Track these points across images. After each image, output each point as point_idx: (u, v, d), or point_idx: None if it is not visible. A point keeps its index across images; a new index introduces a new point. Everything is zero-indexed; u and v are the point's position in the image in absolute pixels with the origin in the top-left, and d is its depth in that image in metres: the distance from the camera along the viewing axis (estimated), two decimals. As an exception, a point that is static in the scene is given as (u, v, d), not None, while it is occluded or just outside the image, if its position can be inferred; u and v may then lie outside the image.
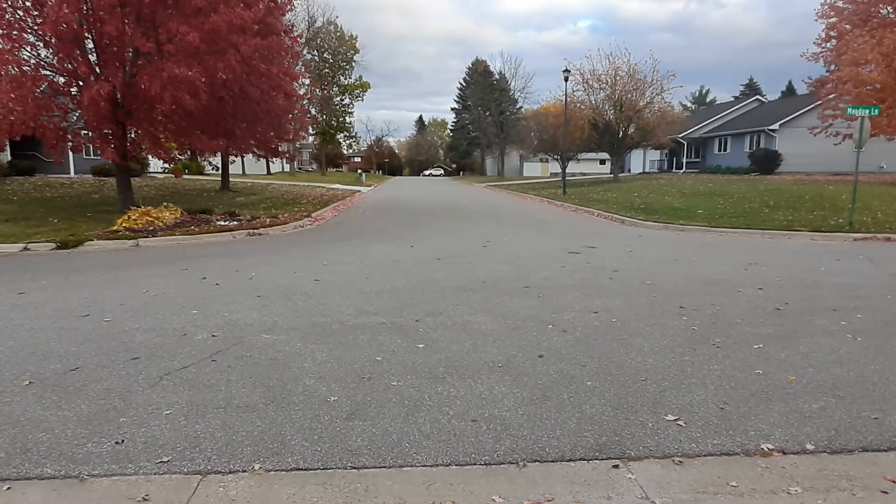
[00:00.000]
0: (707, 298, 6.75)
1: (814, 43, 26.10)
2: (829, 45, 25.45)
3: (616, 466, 3.04)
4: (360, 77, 59.00)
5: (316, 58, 52.27)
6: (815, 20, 25.55)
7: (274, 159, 46.95)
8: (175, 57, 12.90)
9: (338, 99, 57.55)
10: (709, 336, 5.26)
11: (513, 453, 3.16)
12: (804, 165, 33.06)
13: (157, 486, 2.86)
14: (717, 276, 8.21)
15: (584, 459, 3.11)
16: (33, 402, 3.78)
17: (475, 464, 3.07)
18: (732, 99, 60.54)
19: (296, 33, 23.53)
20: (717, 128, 44.00)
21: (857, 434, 3.38)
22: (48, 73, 14.34)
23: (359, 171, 65.80)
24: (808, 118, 30.18)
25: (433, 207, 22.96)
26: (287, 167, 59.97)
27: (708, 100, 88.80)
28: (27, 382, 4.12)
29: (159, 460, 3.08)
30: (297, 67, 25.54)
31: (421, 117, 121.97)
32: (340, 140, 66.18)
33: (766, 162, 34.26)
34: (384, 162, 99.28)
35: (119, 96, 13.61)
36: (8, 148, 23.62)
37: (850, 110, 15.15)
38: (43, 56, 14.17)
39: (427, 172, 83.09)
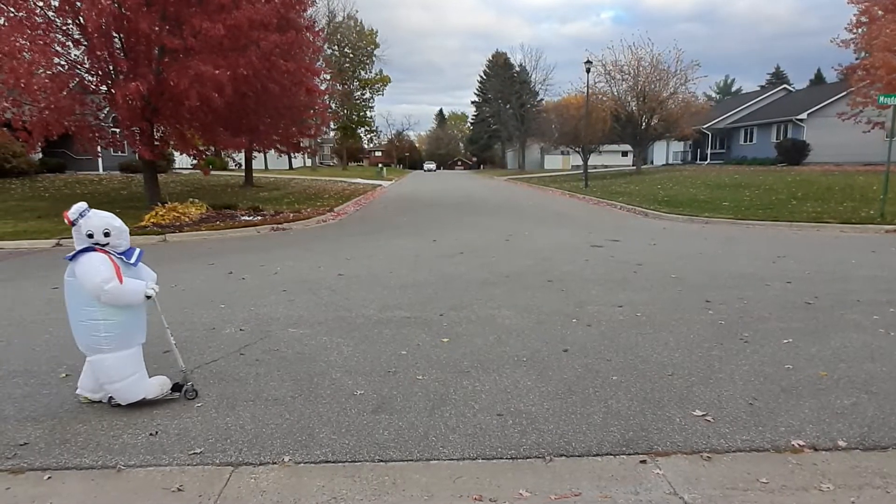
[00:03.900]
0: (734, 292, 6.65)
1: (844, 28, 25.37)
2: (860, 30, 24.72)
3: (643, 462, 3.02)
4: (381, 71, 59.15)
5: (336, 53, 52.47)
6: (847, 3, 24.83)
7: (296, 154, 47.58)
8: (200, 54, 13.07)
9: (358, 93, 57.73)
10: (736, 330, 5.19)
11: (539, 448, 3.17)
12: (833, 156, 32.26)
13: (191, 476, 2.93)
14: (744, 269, 8.09)
15: (611, 454, 3.10)
16: (70, 394, 3.88)
17: (501, 458, 3.08)
18: (758, 88, 59.34)
19: (316, 28, 23.60)
20: (743, 118, 43.12)
21: (891, 431, 3.31)
22: (78, 71, 14.66)
23: (379, 165, 65.92)
24: (838, 107, 29.35)
25: (454, 201, 22.96)
26: (309, 162, 60.47)
27: (733, 89, 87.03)
28: (64, 375, 4.24)
29: (192, 452, 3.15)
30: (318, 63, 25.67)
31: (441, 111, 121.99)
32: (361, 135, 66.47)
33: (794, 152, 33.51)
34: (405, 156, 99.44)
35: (147, 94, 13.86)
36: (40, 146, 24.17)
37: (882, 98, 14.71)
38: (73, 56, 14.47)
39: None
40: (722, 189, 21.31)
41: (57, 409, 3.68)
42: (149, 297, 3.56)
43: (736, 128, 42.88)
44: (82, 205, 3.43)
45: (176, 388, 3.76)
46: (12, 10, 12.71)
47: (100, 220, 3.42)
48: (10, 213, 15.01)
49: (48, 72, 13.18)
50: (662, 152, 51.47)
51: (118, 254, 3.48)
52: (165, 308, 6.22)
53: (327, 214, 16.29)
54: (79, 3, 13.01)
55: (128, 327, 3.55)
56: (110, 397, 3.63)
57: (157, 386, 3.67)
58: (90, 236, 3.39)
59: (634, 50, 35.04)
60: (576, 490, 2.78)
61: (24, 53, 12.33)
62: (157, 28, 13.14)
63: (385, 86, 59.80)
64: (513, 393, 3.87)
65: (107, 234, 3.41)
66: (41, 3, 13.36)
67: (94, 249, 3.40)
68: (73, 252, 3.42)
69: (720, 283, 7.17)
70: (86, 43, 13.69)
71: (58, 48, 13.83)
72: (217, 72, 12.88)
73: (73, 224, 3.38)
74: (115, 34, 13.72)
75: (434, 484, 2.85)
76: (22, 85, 12.28)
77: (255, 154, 25.26)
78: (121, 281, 3.33)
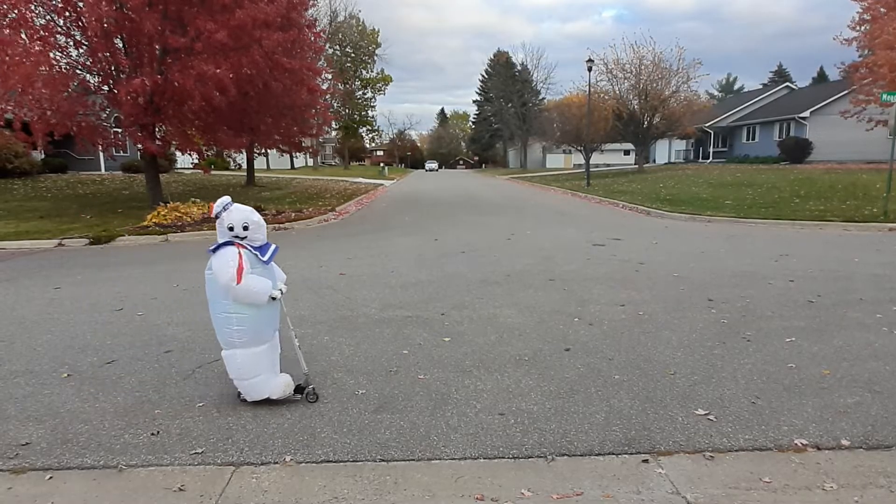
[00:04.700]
0: (736, 291, 6.63)
1: (847, 26, 25.32)
2: (863, 28, 24.67)
3: (646, 461, 3.01)
4: (382, 70, 59.15)
5: (338, 52, 52.48)
6: (851, 1, 24.79)
7: (297, 154, 47.57)
8: (203, 54, 13.07)
9: (360, 93, 57.73)
10: (739, 329, 5.17)
11: (541, 447, 3.16)
12: (836, 154, 32.19)
13: (193, 476, 2.92)
14: (747, 268, 8.07)
15: (613, 454, 3.09)
16: (72, 394, 3.89)
17: (503, 457, 3.08)
18: (761, 87, 59.15)
19: (318, 28, 23.62)
20: (745, 116, 43.03)
21: (895, 430, 3.30)
22: (79, 72, 14.67)
23: (381, 164, 65.95)
24: (840, 105, 29.26)
25: (456, 200, 22.94)
26: (310, 162, 60.45)
27: (735, 88, 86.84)
28: (65, 375, 4.24)
29: (193, 451, 3.15)
30: (320, 62, 25.68)
31: (443, 110, 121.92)
32: (363, 134, 66.50)
33: (796, 150, 33.44)
34: (406, 155, 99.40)
35: (150, 92, 13.87)
36: (41, 146, 24.21)
37: (884, 96, 14.65)
38: (74, 56, 14.48)
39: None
40: (724, 188, 21.27)
41: (58, 408, 3.68)
42: (273, 299, 3.56)
43: (738, 126, 42.80)
44: (226, 198, 3.49)
45: (298, 389, 3.77)
46: (13, 12, 12.70)
47: (240, 214, 3.46)
48: (13, 213, 15.03)
49: (49, 71, 13.18)
50: (664, 151, 51.41)
51: (254, 248, 3.50)
52: (167, 307, 6.25)
53: (329, 214, 16.29)
54: (80, 4, 13.02)
55: (258, 324, 3.55)
56: (239, 391, 3.69)
57: (283, 386, 3.68)
58: (231, 229, 3.43)
59: (636, 48, 35.04)
60: (578, 490, 2.77)
61: (25, 60, 12.33)
62: (159, 28, 13.14)
63: (387, 85, 59.85)
64: (514, 392, 3.86)
65: (245, 228, 3.44)
66: (41, 6, 13.35)
67: (233, 244, 3.44)
68: (215, 245, 3.47)
69: (722, 282, 7.15)
70: (87, 43, 13.70)
71: (58, 54, 13.84)
72: (219, 71, 12.88)
73: (216, 217, 3.44)
74: (116, 35, 13.73)
75: (436, 483, 2.84)
76: (19, 89, 12.30)
77: (256, 154, 25.29)
78: (238, 281, 3.35)
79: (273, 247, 3.62)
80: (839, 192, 18.03)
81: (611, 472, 2.93)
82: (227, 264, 3.34)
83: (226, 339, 3.53)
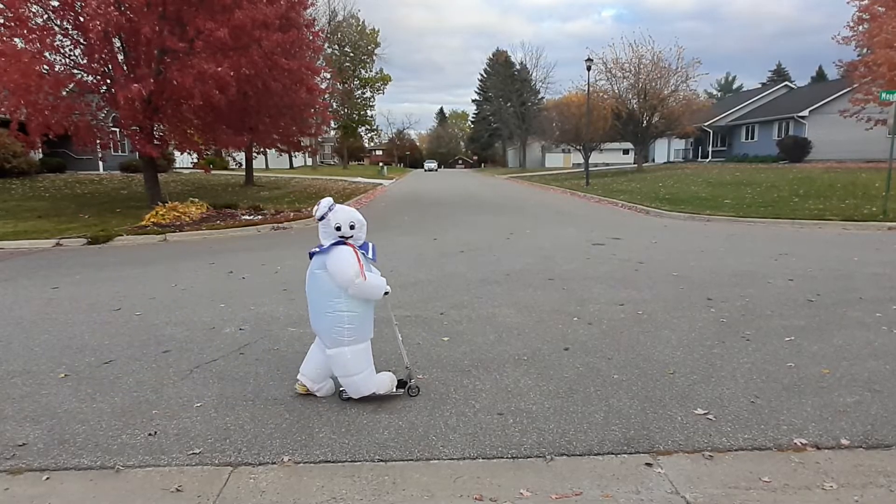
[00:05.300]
0: (736, 290, 6.63)
1: (845, 26, 25.32)
2: (861, 27, 24.67)
3: (645, 461, 3.00)
4: (381, 70, 59.18)
5: (337, 52, 52.45)
6: (847, 2, 24.78)
7: (296, 154, 47.52)
8: (202, 54, 13.05)
9: (359, 92, 57.73)
10: (738, 328, 5.17)
11: (540, 447, 3.15)
12: (835, 153, 32.21)
13: (190, 477, 2.91)
14: (746, 267, 8.06)
15: (613, 453, 3.08)
16: (69, 394, 3.88)
17: (502, 457, 3.06)
18: (760, 86, 59.19)
19: (317, 28, 23.59)
20: (744, 115, 43.05)
21: (895, 429, 3.29)
22: (77, 72, 14.64)
23: (380, 164, 65.91)
24: (839, 104, 29.27)
25: (455, 200, 22.93)
26: (309, 161, 60.45)
27: (734, 87, 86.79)
28: (63, 375, 4.23)
29: (191, 452, 3.13)
30: (319, 62, 25.65)
31: (442, 109, 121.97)
32: (362, 133, 66.49)
33: (795, 150, 33.45)
34: (405, 155, 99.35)
35: (149, 95, 13.84)
36: (39, 146, 24.19)
37: (884, 95, 14.64)
38: (72, 56, 14.43)
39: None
40: (723, 187, 21.26)
41: (56, 409, 3.67)
42: (386, 294, 3.63)
43: (737, 125, 42.81)
44: (329, 200, 3.55)
45: (400, 384, 3.80)
46: (9, 11, 12.67)
47: (345, 214, 3.52)
48: (11, 213, 15.00)
49: (45, 71, 13.14)
50: (664, 150, 51.39)
51: (358, 247, 3.55)
52: (164, 307, 6.24)
53: (328, 213, 16.25)
54: (79, 4, 12.98)
55: (366, 320, 3.63)
56: (341, 390, 3.72)
57: (388, 381, 3.72)
58: (338, 229, 3.48)
59: (635, 48, 35.00)
60: (577, 490, 2.76)
61: (22, 59, 12.30)
62: (157, 28, 13.10)
63: (386, 84, 59.85)
64: (513, 392, 3.85)
65: (352, 227, 3.50)
66: (39, 5, 13.31)
67: (345, 243, 3.49)
68: (322, 246, 3.52)
69: (722, 281, 7.14)
70: (84, 43, 13.66)
71: (55, 56, 13.80)
72: (220, 69, 12.85)
73: (320, 219, 3.50)
74: (115, 35, 13.69)
75: (434, 483, 2.83)
76: (11, 86, 12.26)
77: (255, 153, 25.26)
78: (363, 277, 3.42)
79: (372, 245, 3.68)
80: (838, 191, 18.03)
81: (610, 471, 2.92)
82: (349, 262, 3.42)
83: (335, 337, 3.55)
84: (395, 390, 3.75)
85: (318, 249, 3.55)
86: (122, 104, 13.02)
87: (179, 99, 13.86)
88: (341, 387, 3.72)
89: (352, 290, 3.45)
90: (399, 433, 3.31)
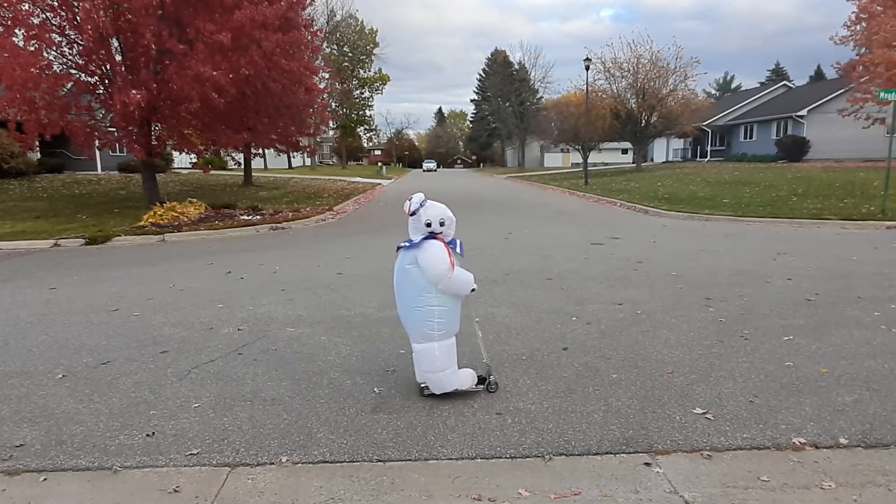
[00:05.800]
0: (734, 289, 6.63)
1: (843, 25, 25.34)
2: (859, 27, 24.69)
3: (644, 460, 3.00)
4: (380, 70, 59.09)
5: (335, 52, 52.40)
6: (846, 1, 24.80)
7: (295, 154, 47.47)
8: (200, 55, 13.02)
9: (357, 92, 57.67)
10: (737, 328, 5.16)
11: (538, 447, 3.15)
12: (833, 152, 32.23)
13: (188, 477, 2.90)
14: (745, 266, 8.06)
15: (611, 453, 3.08)
16: (67, 395, 3.87)
17: (501, 457, 3.06)
18: (758, 85, 59.26)
19: (315, 27, 23.55)
20: (743, 115, 43.08)
21: (893, 428, 3.29)
22: (74, 73, 14.60)
23: (379, 164, 65.91)
24: (838, 103, 29.27)
25: (454, 199, 22.90)
26: (308, 161, 60.39)
27: (733, 86, 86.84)
28: (61, 376, 4.22)
29: (189, 452, 3.13)
30: (318, 62, 25.62)
31: (440, 109, 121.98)
32: (360, 133, 66.43)
33: (794, 149, 33.47)
34: (404, 155, 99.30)
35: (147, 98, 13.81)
36: (37, 146, 24.16)
37: (882, 94, 14.65)
38: (69, 56, 14.40)
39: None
40: (722, 186, 21.27)
41: (53, 409, 3.66)
42: (472, 291, 3.68)
43: (736, 125, 42.84)
44: (421, 196, 3.57)
45: (479, 381, 3.82)
46: (6, 10, 12.63)
47: (436, 210, 3.56)
48: (9, 213, 14.98)
49: (42, 71, 13.11)
50: (662, 150, 51.41)
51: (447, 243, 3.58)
52: (163, 307, 6.23)
53: (326, 213, 16.26)
54: (77, 4, 12.95)
55: (454, 316, 3.67)
56: (423, 386, 3.75)
57: (470, 378, 3.76)
58: (428, 225, 3.51)
59: (634, 47, 34.99)
60: (575, 489, 2.76)
61: (18, 58, 12.26)
62: (154, 29, 13.07)
63: (384, 84, 59.78)
64: (512, 391, 3.85)
65: (441, 224, 3.53)
66: (35, 5, 13.28)
67: (436, 238, 3.52)
68: (412, 241, 3.54)
69: (720, 281, 7.14)
70: (82, 44, 13.63)
71: (52, 55, 13.76)
72: (216, 73, 12.82)
73: (412, 214, 3.52)
74: (113, 36, 13.66)
75: (433, 483, 2.83)
76: (9, 81, 12.22)
77: (254, 154, 25.24)
78: (453, 272, 3.47)
79: (459, 241, 3.70)
80: (837, 190, 18.04)
81: (608, 471, 2.91)
82: (441, 257, 3.45)
83: (425, 332, 3.59)
84: (475, 386, 3.78)
85: (406, 244, 3.57)
86: (118, 108, 12.98)
87: (177, 101, 13.82)
88: (422, 382, 3.74)
89: (442, 284, 3.48)
90: (398, 433, 3.31)
